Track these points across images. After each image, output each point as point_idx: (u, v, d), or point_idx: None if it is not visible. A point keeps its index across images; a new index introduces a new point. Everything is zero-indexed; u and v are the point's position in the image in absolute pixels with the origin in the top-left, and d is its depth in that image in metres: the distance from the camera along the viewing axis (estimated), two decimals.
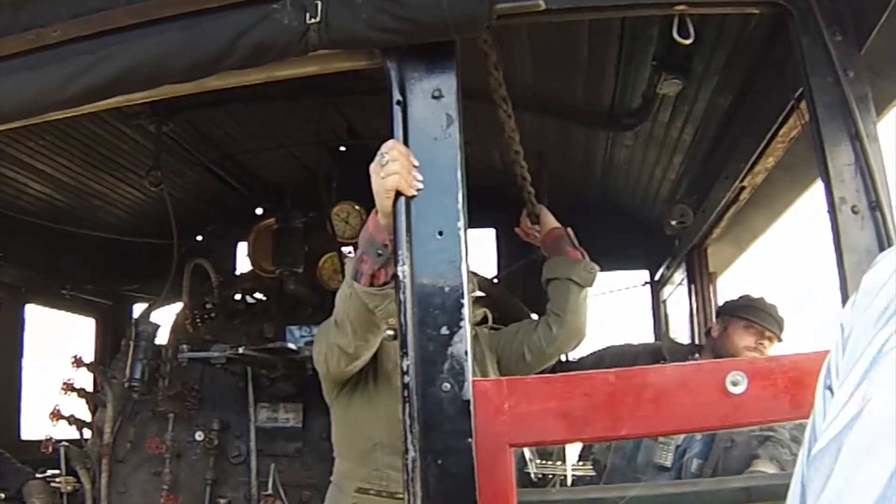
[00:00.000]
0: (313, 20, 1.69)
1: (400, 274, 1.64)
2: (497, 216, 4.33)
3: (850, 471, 0.47)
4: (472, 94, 2.07)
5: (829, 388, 0.61)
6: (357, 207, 4.08)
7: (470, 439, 1.56)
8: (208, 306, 4.27)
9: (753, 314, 3.15)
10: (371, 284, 1.94)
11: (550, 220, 2.82)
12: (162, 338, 4.02)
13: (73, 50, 1.98)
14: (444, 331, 1.61)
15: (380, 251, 1.85)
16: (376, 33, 1.68)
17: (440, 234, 1.65)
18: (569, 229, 2.78)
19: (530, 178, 2.74)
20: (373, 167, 1.67)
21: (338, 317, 2.13)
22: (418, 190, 1.66)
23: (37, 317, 5.00)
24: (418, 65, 1.73)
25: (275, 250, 4.10)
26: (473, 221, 2.25)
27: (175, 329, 4.07)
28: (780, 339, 3.16)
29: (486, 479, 1.55)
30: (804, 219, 3.73)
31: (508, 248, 4.58)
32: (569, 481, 3.08)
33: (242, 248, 4.74)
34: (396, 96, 1.72)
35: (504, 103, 2.35)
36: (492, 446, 1.57)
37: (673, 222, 3.86)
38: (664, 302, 5.07)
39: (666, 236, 4.17)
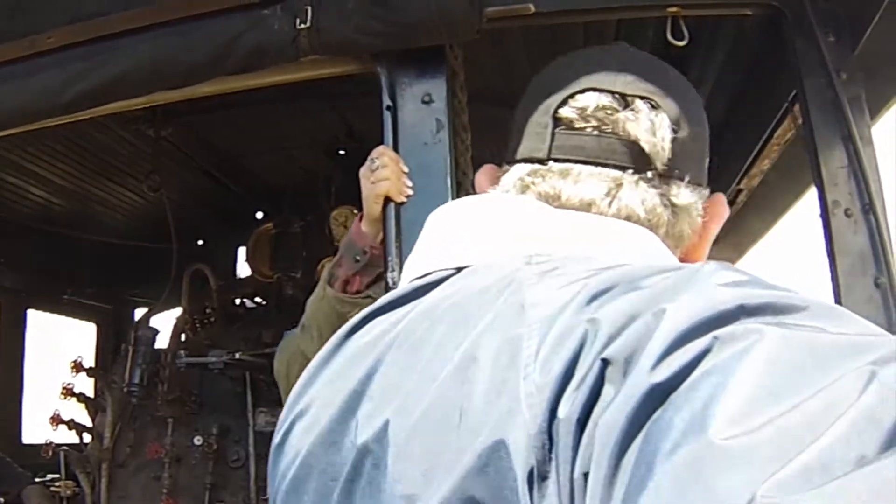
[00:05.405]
0: (303, 25, 1.70)
1: (390, 280, 1.64)
2: None
3: None
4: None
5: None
6: (356, 212, 4.02)
7: None
8: (208, 311, 4.27)
9: None
10: (344, 291, 1.89)
11: None
12: (162, 342, 4.03)
13: (68, 56, 1.99)
14: None
15: (358, 256, 1.82)
16: (366, 38, 1.69)
17: None
18: None
19: None
20: (362, 172, 1.67)
21: (306, 320, 2.03)
22: (408, 196, 1.66)
23: (38, 322, 5.02)
24: (409, 70, 1.73)
25: (273, 255, 4.10)
26: None
27: (174, 334, 4.07)
28: None
29: None
30: (805, 222, 3.70)
31: None
32: None
33: (243, 253, 4.73)
34: (387, 101, 1.72)
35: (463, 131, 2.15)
36: None
37: None
38: None
39: None
